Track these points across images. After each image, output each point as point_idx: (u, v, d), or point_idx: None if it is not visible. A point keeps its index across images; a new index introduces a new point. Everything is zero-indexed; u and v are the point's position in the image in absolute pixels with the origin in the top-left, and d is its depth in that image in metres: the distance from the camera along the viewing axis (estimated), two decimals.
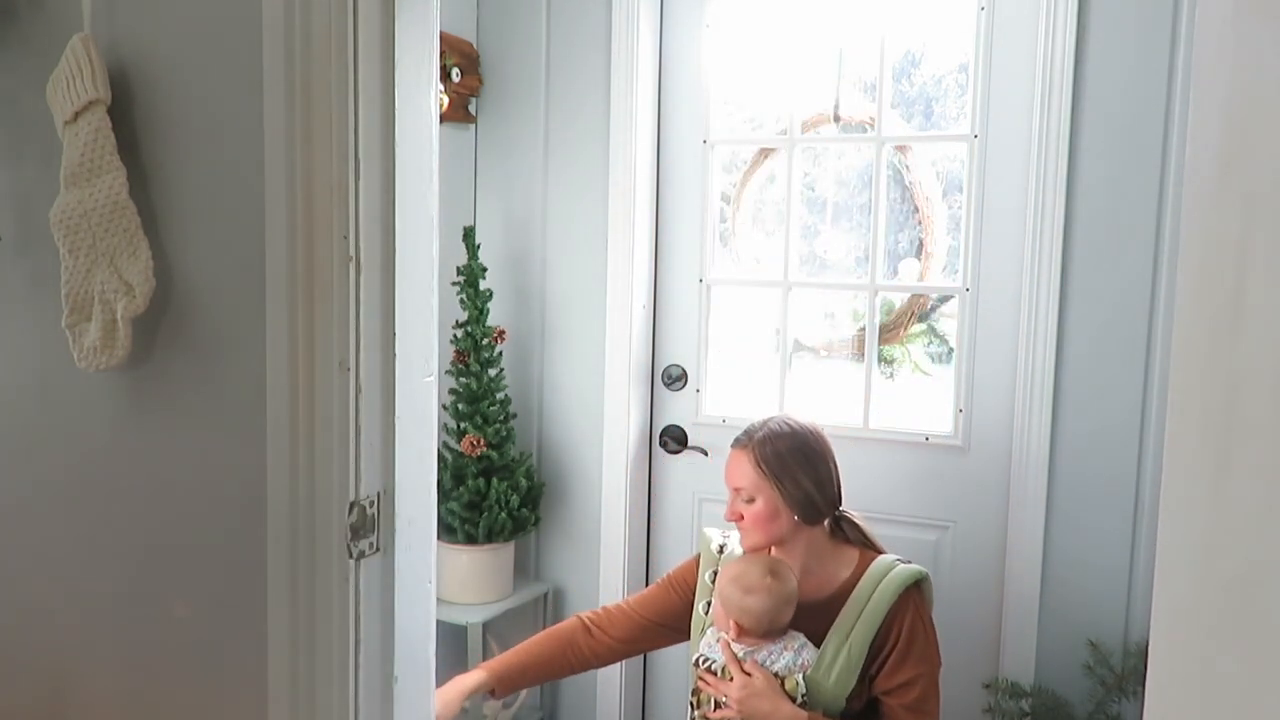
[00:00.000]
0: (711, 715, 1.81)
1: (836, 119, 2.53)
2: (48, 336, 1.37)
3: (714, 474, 2.37)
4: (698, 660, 1.84)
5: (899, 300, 2.63)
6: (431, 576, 1.34)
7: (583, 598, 2.63)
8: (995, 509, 2.31)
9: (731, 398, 2.60)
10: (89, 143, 1.25)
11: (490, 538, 2.45)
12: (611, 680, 2.61)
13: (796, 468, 1.81)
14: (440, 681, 1.59)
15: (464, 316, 2.47)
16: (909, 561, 1.85)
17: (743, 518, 1.84)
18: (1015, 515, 2.26)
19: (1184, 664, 0.66)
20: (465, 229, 2.47)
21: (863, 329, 2.48)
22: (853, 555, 1.87)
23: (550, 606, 2.68)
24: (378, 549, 1.25)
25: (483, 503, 2.43)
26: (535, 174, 2.62)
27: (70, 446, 1.42)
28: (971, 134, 2.28)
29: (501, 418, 2.49)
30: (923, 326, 2.72)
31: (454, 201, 2.60)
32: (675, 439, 2.61)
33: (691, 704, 1.87)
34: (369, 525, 1.23)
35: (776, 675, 1.75)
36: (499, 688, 1.88)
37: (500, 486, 2.44)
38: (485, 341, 2.47)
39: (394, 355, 1.24)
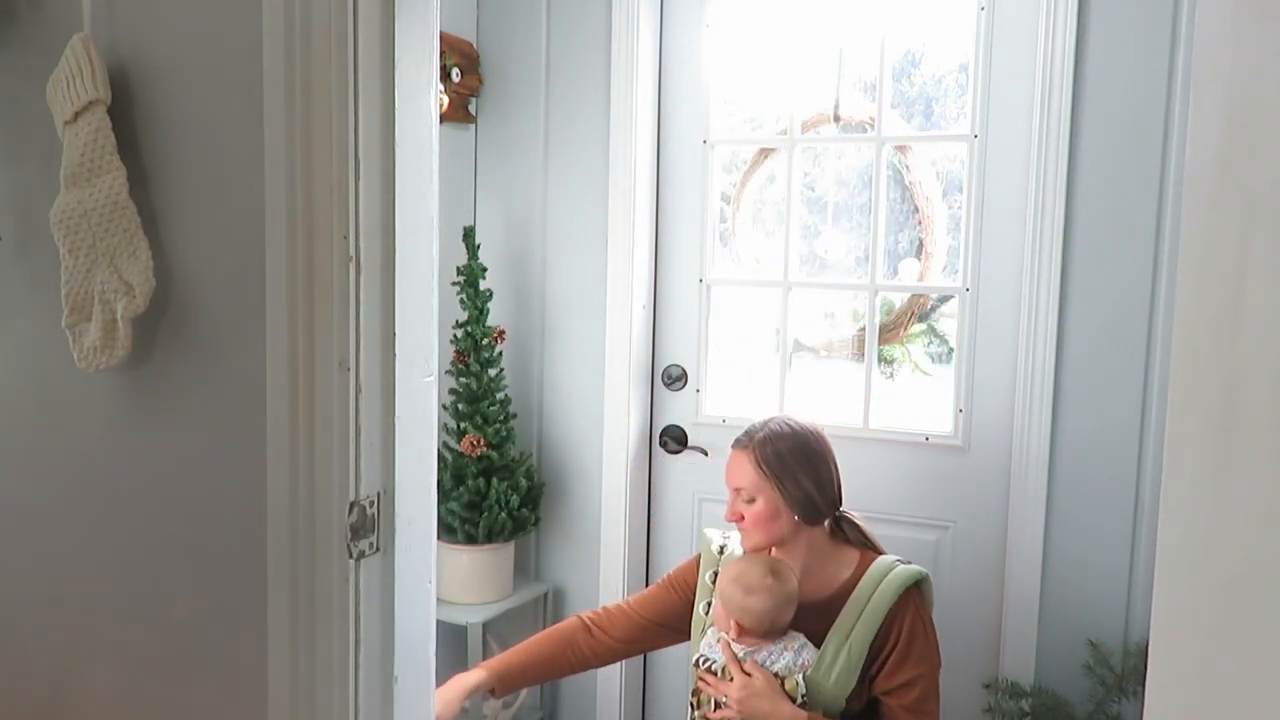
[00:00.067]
0: (711, 715, 1.81)
1: (836, 119, 2.53)
2: (48, 336, 1.37)
3: (714, 474, 2.37)
4: (698, 660, 1.84)
5: (899, 300, 2.63)
6: (431, 576, 1.34)
7: (583, 598, 2.63)
8: (995, 509, 2.31)
9: (731, 398, 2.60)
10: (89, 143, 1.25)
11: (490, 538, 2.45)
12: (611, 680, 2.61)
13: (797, 468, 1.81)
14: (440, 681, 1.60)
15: (464, 316, 2.47)
16: (909, 562, 1.85)
17: (743, 518, 1.85)
18: (1015, 515, 2.26)
19: (1184, 664, 0.66)
20: (465, 229, 2.47)
21: (863, 329, 2.48)
22: (853, 556, 1.87)
23: (550, 606, 2.68)
24: (378, 549, 1.25)
25: (483, 503, 2.43)
26: (535, 174, 2.62)
27: (70, 446, 1.42)
28: (971, 134, 2.28)
29: (501, 418, 2.49)
30: (923, 326, 2.72)
31: (454, 201, 2.60)
32: (675, 439, 2.61)
33: (691, 704, 1.87)
34: (369, 525, 1.23)
35: (776, 675, 1.75)
36: (499, 687, 1.88)
37: (500, 486, 2.44)
38: (485, 341, 2.47)
39: (394, 355, 1.24)
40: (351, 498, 1.21)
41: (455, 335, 2.47)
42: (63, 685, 1.47)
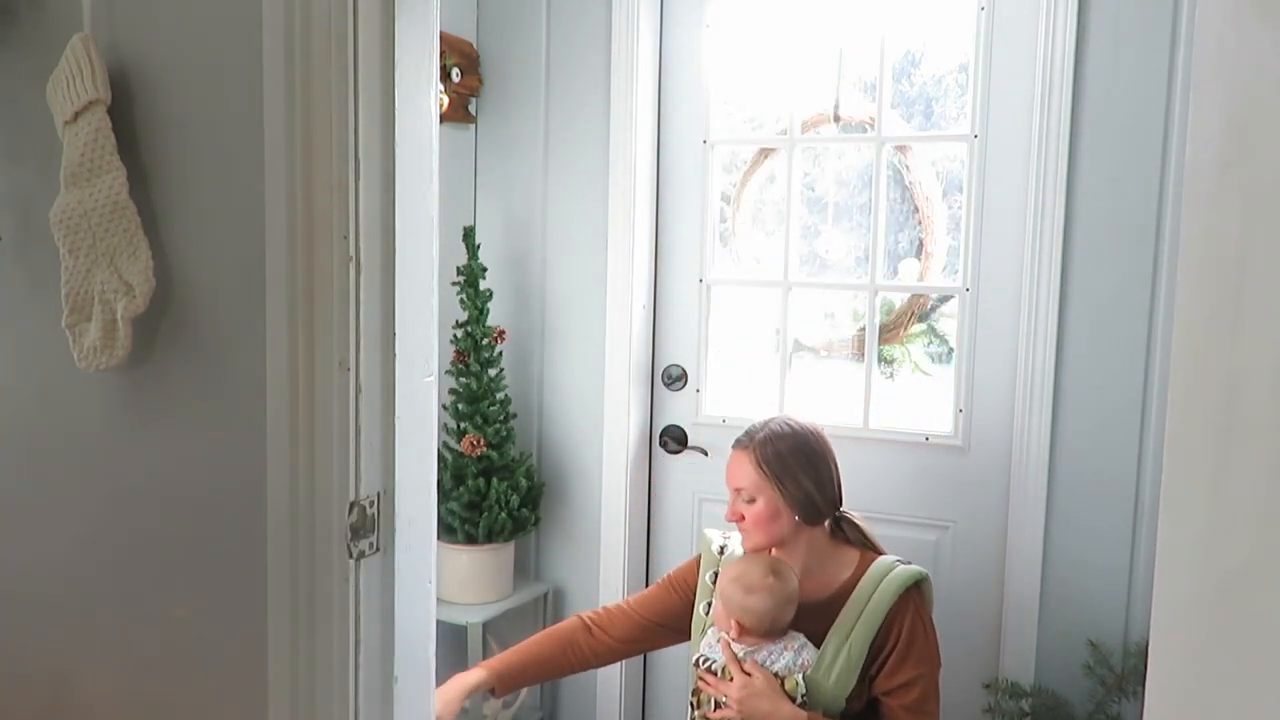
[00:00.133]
0: (711, 715, 1.81)
1: (836, 119, 2.53)
2: (48, 336, 1.37)
3: (714, 474, 2.37)
4: (698, 660, 1.84)
5: (899, 300, 2.63)
6: (431, 576, 1.34)
7: (583, 598, 2.63)
8: (995, 509, 2.31)
9: (731, 398, 2.60)
10: (89, 143, 1.25)
11: (490, 538, 2.45)
12: (611, 680, 2.61)
13: (797, 468, 1.81)
14: (440, 681, 1.60)
15: (464, 316, 2.47)
16: (909, 562, 1.85)
17: (744, 518, 1.85)
18: (1015, 515, 2.26)
19: (1184, 664, 0.66)
20: (465, 229, 2.47)
21: (863, 329, 2.48)
22: (853, 556, 1.87)
23: (550, 606, 2.68)
24: (378, 549, 1.25)
25: (483, 503, 2.43)
26: (535, 174, 2.62)
27: (70, 446, 1.42)
28: (971, 134, 2.28)
29: (501, 418, 2.49)
30: (923, 326, 2.72)
31: (454, 201, 2.60)
32: (675, 439, 2.61)
33: (691, 704, 1.87)
34: (369, 525, 1.23)
35: (776, 675, 1.75)
36: (499, 687, 1.88)
37: (500, 486, 2.44)
38: (485, 341, 2.47)
39: (394, 355, 1.24)
40: (351, 498, 1.21)
41: (455, 335, 2.47)
42: (63, 685, 1.47)
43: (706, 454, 2.57)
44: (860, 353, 2.50)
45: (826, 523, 1.88)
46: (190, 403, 1.32)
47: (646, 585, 2.53)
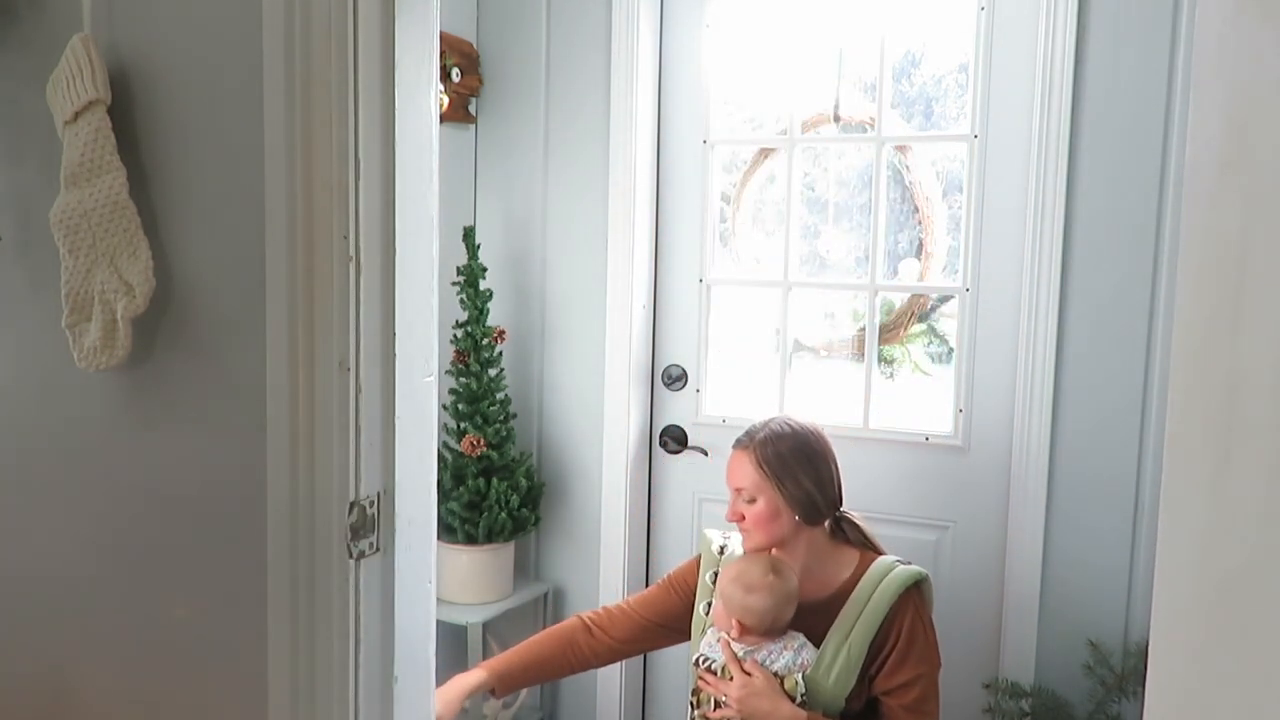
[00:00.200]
0: (711, 715, 1.81)
1: (836, 119, 2.53)
2: (48, 336, 1.37)
3: (714, 474, 2.37)
4: (698, 660, 1.84)
5: (899, 300, 2.63)
6: (431, 576, 1.34)
7: (583, 598, 2.63)
8: (995, 509, 2.31)
9: (731, 398, 2.60)
10: (89, 143, 1.25)
11: (490, 538, 2.45)
12: (611, 680, 2.61)
13: (797, 468, 1.81)
14: (440, 681, 1.59)
15: (464, 316, 2.47)
16: (909, 562, 1.85)
17: (744, 518, 1.85)
18: (1015, 515, 2.25)
19: (1184, 664, 0.66)
20: (465, 229, 2.47)
21: (863, 329, 2.48)
22: (853, 556, 1.87)
23: (550, 606, 2.68)
24: (378, 549, 1.25)
25: (483, 503, 2.43)
26: (535, 174, 2.62)
27: (70, 446, 1.42)
28: (971, 134, 2.28)
29: (501, 418, 2.49)
30: (923, 326, 2.72)
31: (454, 201, 2.60)
32: (675, 439, 2.61)
33: (691, 704, 1.87)
34: (369, 525, 1.23)
35: (776, 675, 1.75)
36: (499, 687, 1.88)
37: (500, 486, 2.44)
38: (485, 341, 2.47)
39: (394, 355, 1.24)
40: (351, 498, 1.21)
41: (455, 335, 2.47)
42: (63, 685, 1.47)
43: (706, 454, 2.57)
44: (860, 353, 2.50)
45: (826, 523, 1.88)
46: (190, 403, 1.32)
47: (646, 585, 2.53)
